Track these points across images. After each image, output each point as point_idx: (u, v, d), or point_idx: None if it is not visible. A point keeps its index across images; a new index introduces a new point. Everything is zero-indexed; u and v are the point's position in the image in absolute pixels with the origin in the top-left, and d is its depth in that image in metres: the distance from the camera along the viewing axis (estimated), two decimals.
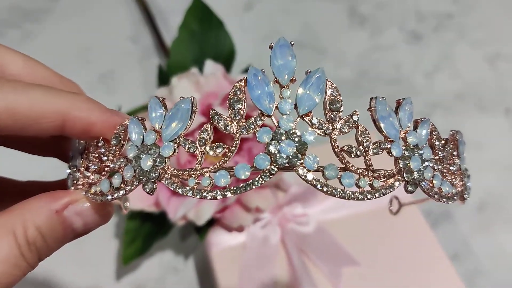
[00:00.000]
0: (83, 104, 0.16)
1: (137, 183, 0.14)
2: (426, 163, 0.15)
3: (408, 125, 0.15)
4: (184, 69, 0.37)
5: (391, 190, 0.14)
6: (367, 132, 0.14)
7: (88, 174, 0.16)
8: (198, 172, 0.14)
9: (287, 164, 0.13)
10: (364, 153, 0.14)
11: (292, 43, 0.15)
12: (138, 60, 0.59)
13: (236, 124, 0.14)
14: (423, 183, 0.14)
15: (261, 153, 0.14)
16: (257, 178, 0.14)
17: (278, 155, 0.13)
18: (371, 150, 0.14)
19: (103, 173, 0.16)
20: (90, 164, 0.16)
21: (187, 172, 0.14)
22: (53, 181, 0.20)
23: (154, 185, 0.14)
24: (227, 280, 0.36)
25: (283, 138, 0.14)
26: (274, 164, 0.13)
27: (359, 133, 0.14)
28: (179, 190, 0.14)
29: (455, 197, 0.16)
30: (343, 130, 0.14)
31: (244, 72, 0.43)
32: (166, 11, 0.63)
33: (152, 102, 0.15)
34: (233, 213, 0.37)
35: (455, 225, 0.46)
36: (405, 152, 0.15)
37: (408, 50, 0.61)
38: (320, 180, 0.14)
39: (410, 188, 0.14)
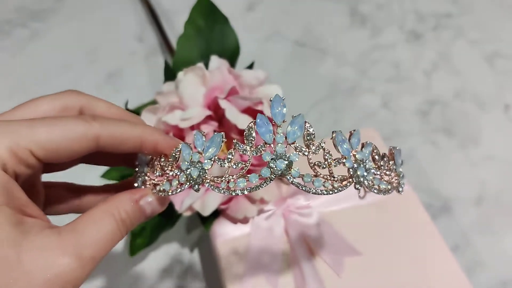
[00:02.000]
0: (152, 132, 0.24)
1: (188, 185, 0.22)
2: (368, 171, 0.22)
3: (357, 147, 0.23)
4: (190, 64, 0.38)
5: (345, 188, 0.22)
6: (330, 152, 0.22)
7: (153, 178, 0.24)
8: (226, 179, 0.22)
9: (280, 174, 0.21)
10: (328, 166, 0.22)
11: (284, 98, 0.22)
12: (144, 59, 0.60)
13: (249, 149, 0.22)
14: (366, 182, 0.22)
15: (265, 167, 0.21)
16: (263, 182, 0.22)
17: (275, 168, 0.21)
18: (333, 164, 0.22)
19: (164, 177, 0.23)
20: (155, 171, 0.24)
21: (219, 179, 0.22)
22: (119, 182, 0.28)
23: (199, 186, 0.22)
24: (232, 270, 0.37)
25: (278, 158, 0.21)
26: (273, 174, 0.21)
27: (325, 153, 0.22)
28: (215, 190, 0.21)
29: (390, 191, 0.23)
30: (315, 152, 0.22)
31: (248, 68, 0.44)
32: (170, 11, 0.65)
33: (196, 134, 0.22)
34: (238, 204, 0.37)
35: (454, 219, 0.46)
36: (354, 164, 0.22)
37: (408, 49, 0.62)
38: (301, 183, 0.22)
39: (357, 186, 0.22)
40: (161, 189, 0.23)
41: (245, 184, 0.21)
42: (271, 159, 0.21)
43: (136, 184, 0.26)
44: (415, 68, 0.60)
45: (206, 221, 0.39)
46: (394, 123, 0.54)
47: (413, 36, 0.63)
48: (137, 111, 0.42)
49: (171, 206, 0.37)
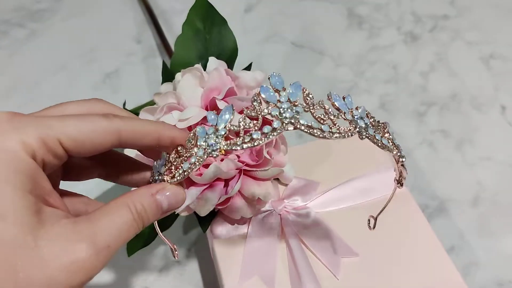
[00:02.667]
0: (168, 127, 0.25)
1: (207, 156, 0.22)
2: (367, 126, 0.24)
3: (351, 108, 0.25)
4: (188, 65, 0.38)
5: (350, 134, 0.24)
6: (330, 109, 0.24)
7: (173, 171, 0.24)
8: (244, 137, 0.23)
9: (290, 122, 0.22)
10: (331, 119, 0.23)
11: (280, 73, 0.24)
12: (142, 60, 0.60)
13: (259, 108, 0.23)
14: (367, 134, 0.24)
15: (275, 120, 0.22)
16: (275, 130, 0.22)
17: (285, 117, 0.22)
18: (334, 116, 0.24)
19: (182, 160, 0.24)
20: (173, 162, 0.24)
21: (235, 139, 0.23)
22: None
23: (218, 152, 0.22)
24: (230, 271, 0.37)
25: (286, 111, 0.23)
26: (283, 123, 0.22)
27: (326, 110, 0.24)
28: (233, 147, 0.22)
29: (393, 151, 0.25)
30: (317, 108, 0.24)
31: (246, 69, 0.44)
32: (169, 12, 0.65)
33: (208, 113, 0.23)
34: (236, 205, 0.38)
35: (451, 220, 0.47)
36: (354, 117, 0.24)
37: (405, 50, 0.62)
38: (311, 127, 0.23)
39: (361, 135, 0.24)
40: (180, 172, 0.24)
41: (259, 135, 0.22)
42: (279, 113, 0.22)
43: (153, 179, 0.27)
44: (412, 69, 0.60)
45: (203, 221, 0.39)
46: (391, 124, 0.54)
47: (410, 37, 0.64)
48: (135, 112, 0.42)
49: None
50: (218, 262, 0.37)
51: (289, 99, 0.23)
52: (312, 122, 0.23)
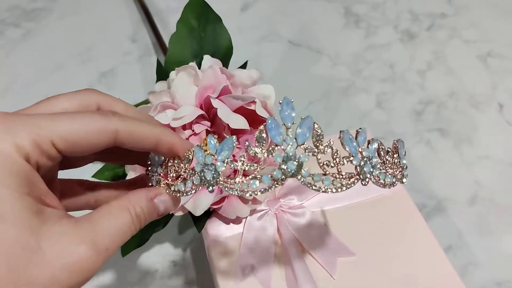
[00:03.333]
0: (169, 133, 0.24)
1: (202, 186, 0.23)
2: (374, 166, 0.24)
3: (363, 145, 0.24)
4: (183, 64, 0.37)
5: (353, 185, 0.23)
6: (337, 151, 0.23)
7: (167, 178, 0.25)
8: (240, 180, 0.22)
9: (291, 175, 0.22)
10: (336, 165, 0.23)
11: (292, 100, 0.23)
12: (137, 59, 0.60)
13: (261, 151, 0.22)
14: (372, 178, 0.24)
15: (276, 169, 0.22)
16: (274, 183, 0.22)
17: (287, 170, 0.22)
18: (341, 162, 0.23)
19: (179, 179, 0.24)
20: (169, 172, 0.25)
21: (232, 181, 0.23)
22: (131, 179, 0.30)
23: (214, 187, 0.23)
24: (225, 270, 0.36)
25: (289, 160, 0.22)
26: (284, 175, 0.22)
27: (333, 153, 0.23)
28: (229, 191, 0.22)
29: (395, 184, 0.25)
30: (324, 152, 0.23)
31: (241, 67, 0.44)
32: (164, 10, 0.64)
33: (209, 137, 0.23)
34: (231, 204, 0.37)
35: (448, 219, 0.46)
36: (361, 162, 0.23)
37: (402, 49, 0.62)
38: (310, 182, 0.23)
39: (363, 183, 0.23)
40: (176, 189, 0.24)
41: (258, 185, 0.22)
42: (282, 160, 0.22)
43: (150, 184, 0.27)
44: (410, 68, 0.60)
45: (198, 221, 0.38)
46: (389, 123, 0.54)
47: (407, 36, 0.63)
48: None
49: None
50: (214, 262, 0.37)
51: (296, 139, 0.22)
52: (314, 177, 0.22)
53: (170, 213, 0.36)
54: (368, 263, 0.36)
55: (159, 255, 0.43)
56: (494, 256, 0.44)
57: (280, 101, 0.22)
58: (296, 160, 0.22)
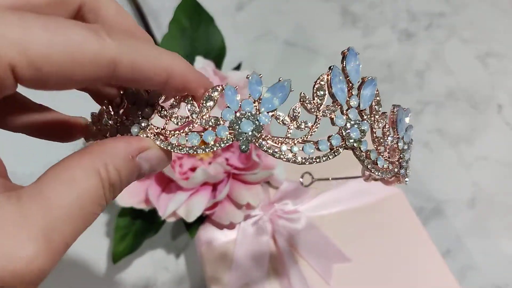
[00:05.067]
0: (182, 63, 0.17)
1: (232, 141, 0.17)
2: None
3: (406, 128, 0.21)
4: None
5: (393, 172, 0.20)
6: (390, 129, 0.20)
7: (165, 125, 0.18)
8: (289, 141, 0.18)
9: (352, 146, 0.18)
10: (386, 145, 0.20)
11: (358, 53, 0.19)
12: None
13: (317, 110, 0.18)
14: (408, 170, 0.20)
15: (335, 134, 0.18)
16: (331, 152, 0.18)
17: (348, 138, 0.18)
18: (390, 142, 0.20)
19: (190, 128, 0.18)
20: (173, 117, 0.18)
21: (280, 138, 0.18)
22: (72, 116, 0.20)
23: (249, 146, 0.17)
24: (219, 277, 0.36)
25: (353, 125, 0.18)
26: (345, 144, 0.18)
27: (385, 129, 0.20)
28: (275, 154, 0.18)
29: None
30: (378, 124, 0.20)
31: (236, 69, 0.43)
32: (158, 10, 0.63)
33: (253, 77, 0.18)
34: (224, 210, 0.36)
35: (447, 221, 0.46)
36: (404, 146, 0.20)
37: (400, 49, 0.61)
38: (366, 159, 0.19)
39: (401, 172, 0.20)
40: (180, 142, 0.17)
41: (312, 150, 0.18)
42: (344, 125, 0.18)
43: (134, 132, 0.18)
44: (408, 68, 0.59)
45: (191, 227, 0.38)
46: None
47: (405, 35, 0.62)
48: None
49: (154, 211, 0.36)
50: (207, 269, 0.36)
51: (359, 105, 0.19)
52: (370, 152, 0.19)
53: (162, 219, 0.36)
54: (364, 269, 0.36)
55: (151, 261, 0.42)
56: (493, 259, 0.43)
57: (345, 50, 0.19)
58: (359, 126, 0.18)
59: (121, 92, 0.19)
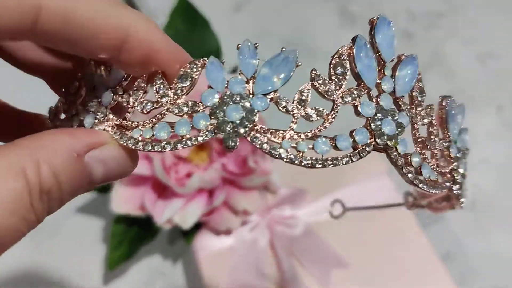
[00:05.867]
0: (148, 24, 0.13)
1: (213, 135, 0.13)
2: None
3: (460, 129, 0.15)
4: None
5: (444, 189, 0.15)
6: (438, 128, 0.15)
7: (127, 115, 0.13)
8: (293, 135, 0.13)
9: (385, 145, 0.13)
10: (434, 148, 0.14)
11: (392, 22, 0.15)
12: None
13: (335, 93, 0.13)
14: (464, 182, 0.15)
15: (361, 127, 0.14)
16: (352, 154, 0.13)
17: (379, 133, 0.13)
18: (440, 146, 0.15)
19: (157, 116, 0.13)
20: (137, 103, 0.13)
21: (280, 133, 0.13)
22: (27, 111, 0.17)
23: (237, 141, 0.13)
24: (216, 284, 0.35)
25: (385, 117, 0.13)
26: (374, 142, 0.13)
27: (432, 127, 0.15)
28: (273, 152, 0.13)
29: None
30: (423, 121, 0.15)
31: (232, 72, 0.43)
32: (155, 11, 0.63)
33: (245, 46, 0.13)
34: (221, 216, 0.36)
35: (447, 225, 0.45)
36: (458, 154, 0.15)
37: (399, 49, 0.60)
38: (403, 165, 0.14)
39: (454, 189, 0.15)
40: (144, 135, 0.13)
41: (327, 148, 0.13)
42: (374, 115, 0.13)
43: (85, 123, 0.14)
44: None
45: (187, 233, 0.37)
46: None
47: (404, 35, 0.62)
48: None
49: (151, 217, 0.36)
50: (204, 275, 0.36)
51: (394, 91, 0.14)
52: (412, 157, 0.14)
53: (158, 224, 0.35)
54: (363, 274, 0.35)
55: (148, 267, 0.42)
56: (493, 262, 0.43)
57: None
58: (394, 119, 0.13)
59: (79, 75, 0.15)
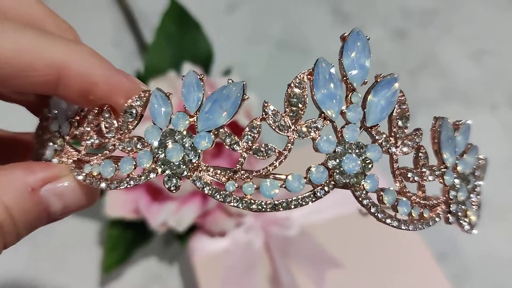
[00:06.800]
0: (85, 57, 0.13)
1: (155, 175, 0.12)
2: (468, 194, 0.13)
3: (460, 152, 0.14)
4: (162, 72, 0.36)
5: (434, 222, 0.14)
6: (427, 155, 0.13)
7: (82, 148, 0.13)
8: (241, 175, 0.12)
9: (343, 185, 0.12)
10: (420, 176, 0.13)
11: (368, 37, 0.13)
12: (120, 65, 0.58)
13: (292, 126, 0.12)
14: (460, 213, 0.14)
15: (318, 165, 0.12)
16: (307, 195, 0.12)
17: (338, 172, 0.12)
18: (427, 175, 0.13)
19: (105, 152, 0.13)
20: (87, 137, 0.13)
21: (227, 172, 0.12)
22: (23, 133, 0.16)
23: (180, 182, 0.12)
24: (211, 286, 0.35)
25: (347, 152, 0.12)
26: (332, 182, 0.12)
27: (420, 155, 0.13)
28: (217, 196, 0.12)
29: (474, 228, 0.15)
30: (405, 150, 0.13)
31: (225, 75, 0.43)
32: (148, 14, 0.63)
33: (189, 77, 0.12)
34: (215, 218, 0.36)
35: (441, 225, 0.45)
36: (455, 180, 0.14)
37: (393, 48, 0.60)
38: (375, 203, 0.12)
39: (451, 220, 0.14)
40: (93, 172, 0.13)
41: (277, 192, 0.12)
42: (334, 151, 0.12)
43: (39, 155, 0.14)
44: (401, 67, 0.58)
45: (182, 236, 0.37)
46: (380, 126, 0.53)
47: (398, 34, 0.62)
48: None
49: (145, 221, 0.36)
50: (199, 277, 0.36)
51: (364, 119, 0.12)
52: (384, 195, 0.13)
53: (153, 228, 0.35)
54: (357, 275, 0.35)
55: (145, 270, 0.42)
56: (488, 262, 0.43)
57: (346, 34, 0.12)
58: (360, 154, 0.12)
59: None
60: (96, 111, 0.13)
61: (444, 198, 0.14)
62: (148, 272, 0.42)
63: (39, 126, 0.15)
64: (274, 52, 0.60)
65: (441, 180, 0.14)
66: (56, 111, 0.14)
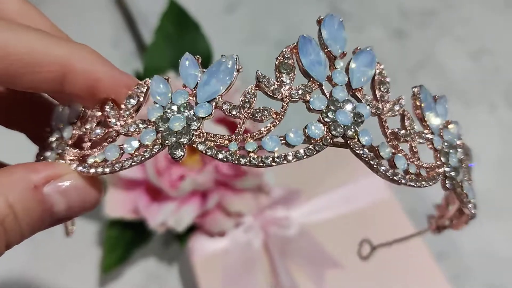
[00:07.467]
0: (88, 55, 0.14)
1: (160, 148, 0.13)
2: (460, 163, 0.14)
3: (444, 122, 0.15)
4: (161, 72, 0.36)
5: (434, 182, 0.14)
6: (412, 119, 0.14)
7: (85, 145, 0.14)
8: (241, 137, 0.13)
9: (342, 135, 0.13)
10: (411, 140, 0.14)
11: (341, 19, 0.15)
12: (119, 66, 0.58)
13: (285, 89, 0.13)
14: (459, 178, 0.14)
15: (314, 121, 0.13)
16: (309, 147, 0.13)
17: (334, 124, 0.13)
18: (417, 138, 0.14)
19: (108, 140, 0.14)
20: (90, 131, 0.14)
21: (226, 136, 0.13)
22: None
23: (184, 150, 0.13)
24: (210, 286, 0.35)
25: (338, 108, 0.13)
26: (329, 134, 0.13)
27: (406, 118, 0.14)
28: (219, 156, 0.13)
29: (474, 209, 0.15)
30: (392, 112, 0.14)
31: None
32: (148, 14, 0.63)
33: (185, 59, 0.13)
34: (214, 218, 0.36)
35: None
36: (444, 144, 0.14)
37: (392, 47, 0.60)
38: (370, 157, 0.13)
39: (448, 184, 0.14)
40: (97, 160, 0.13)
41: (279, 145, 0.13)
42: (327, 107, 0.13)
43: (42, 157, 0.14)
44: (399, 67, 0.58)
45: (182, 236, 0.37)
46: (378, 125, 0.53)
47: (396, 33, 0.62)
48: None
49: (144, 221, 0.36)
50: (198, 277, 0.36)
51: (349, 82, 0.13)
52: (379, 147, 0.13)
53: (152, 228, 0.35)
54: (356, 274, 0.35)
55: (144, 270, 0.42)
56: (487, 261, 0.43)
57: (321, 17, 0.14)
58: (352, 110, 0.13)
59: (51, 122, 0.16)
60: (98, 107, 0.14)
61: (437, 163, 0.14)
62: (148, 272, 0.42)
63: (54, 115, 0.16)
64: (273, 52, 0.60)
65: (430, 146, 0.14)
66: (55, 121, 0.15)
